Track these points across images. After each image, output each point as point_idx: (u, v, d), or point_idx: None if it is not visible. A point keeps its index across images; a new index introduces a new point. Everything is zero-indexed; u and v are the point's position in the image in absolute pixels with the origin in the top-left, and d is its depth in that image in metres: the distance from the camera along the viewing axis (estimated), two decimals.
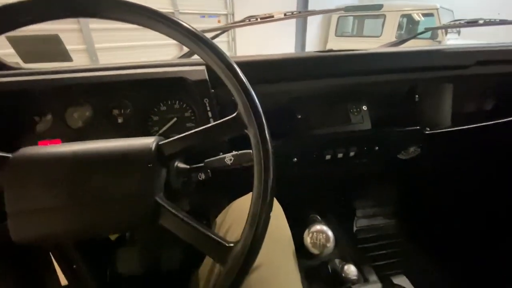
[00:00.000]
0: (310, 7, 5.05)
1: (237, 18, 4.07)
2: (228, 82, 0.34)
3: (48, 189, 0.30)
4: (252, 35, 3.84)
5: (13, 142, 0.51)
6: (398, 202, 1.21)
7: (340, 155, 0.71)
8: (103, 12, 0.32)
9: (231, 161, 0.40)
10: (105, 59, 3.09)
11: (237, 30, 4.07)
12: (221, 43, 4.09)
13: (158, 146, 0.35)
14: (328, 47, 5.28)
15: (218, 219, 0.54)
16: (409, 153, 0.78)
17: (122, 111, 0.55)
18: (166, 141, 0.36)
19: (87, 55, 3.00)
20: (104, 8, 0.32)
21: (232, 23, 0.65)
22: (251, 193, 0.43)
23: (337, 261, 0.74)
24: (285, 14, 0.63)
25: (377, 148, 0.73)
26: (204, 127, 0.36)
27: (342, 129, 0.70)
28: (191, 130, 0.58)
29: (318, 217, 0.81)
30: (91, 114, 0.54)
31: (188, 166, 0.42)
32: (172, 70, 0.51)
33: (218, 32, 0.68)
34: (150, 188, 0.33)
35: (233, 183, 0.62)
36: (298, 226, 0.69)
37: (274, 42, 4.38)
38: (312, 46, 5.53)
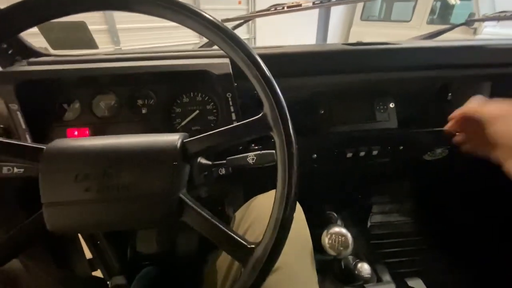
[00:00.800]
0: None
1: None
2: (255, 81, 0.34)
3: (79, 182, 0.31)
4: (272, 17, 3.71)
5: (44, 128, 0.53)
6: (416, 201, 1.18)
7: (362, 154, 0.69)
8: (118, 4, 0.32)
9: (253, 161, 0.40)
10: (126, 39, 3.11)
11: (258, 23, 3.96)
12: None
13: (182, 144, 0.35)
14: (353, 32, 5.05)
15: (238, 214, 0.54)
16: (436, 154, 0.74)
17: (146, 101, 0.56)
18: (191, 139, 0.36)
19: (108, 35, 3.03)
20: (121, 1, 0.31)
21: (256, 12, 0.63)
22: (272, 191, 0.43)
23: (350, 258, 0.74)
24: (313, 3, 0.60)
25: (401, 148, 0.70)
26: (228, 127, 0.35)
27: (366, 127, 0.67)
28: (213, 123, 0.58)
29: (335, 214, 0.81)
30: (117, 104, 0.55)
31: (210, 163, 0.43)
32: (196, 62, 0.50)
33: (242, 21, 0.65)
34: (175, 185, 0.33)
35: (251, 177, 0.62)
36: (314, 223, 0.69)
37: (295, 26, 4.23)
38: (335, 30, 5.28)
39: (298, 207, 0.55)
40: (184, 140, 0.36)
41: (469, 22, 0.81)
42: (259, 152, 0.40)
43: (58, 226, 0.32)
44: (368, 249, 0.89)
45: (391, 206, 1.21)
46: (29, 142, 0.34)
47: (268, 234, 0.31)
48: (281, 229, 0.31)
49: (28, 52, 0.58)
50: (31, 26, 0.34)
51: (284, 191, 0.31)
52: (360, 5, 4.89)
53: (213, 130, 0.55)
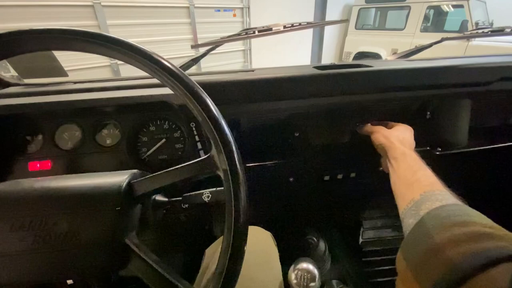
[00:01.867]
0: (329, 3, 4.85)
1: (253, 11, 3.99)
2: (200, 118, 0.32)
3: (14, 232, 0.30)
4: (268, 40, 3.75)
5: (5, 161, 0.52)
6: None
7: (340, 176, 0.67)
8: (58, 45, 0.31)
9: (209, 199, 0.38)
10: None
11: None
12: (236, 52, 4.03)
13: (129, 186, 0.34)
14: (348, 40, 5.10)
15: (209, 251, 0.52)
16: None
17: (111, 131, 0.55)
18: (138, 180, 0.35)
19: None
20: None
21: (227, 37, 0.62)
22: (251, 227, 0.41)
23: (334, 282, 0.72)
24: (284, 27, 0.59)
25: (381, 169, 0.68)
26: (176, 167, 0.34)
27: (342, 149, 0.66)
28: (180, 151, 0.57)
29: (315, 238, 0.78)
30: (80, 135, 0.54)
31: (166, 199, 0.41)
32: (157, 93, 0.49)
33: (211, 46, 0.65)
34: (120, 230, 0.32)
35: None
36: (293, 251, 0.67)
37: (292, 35, 4.27)
38: (331, 39, 5.34)
39: (270, 243, 0.53)
40: (132, 181, 0.34)
41: (444, 40, 0.80)
42: (213, 189, 0.38)
43: None
44: (357, 270, 0.86)
45: (382, 221, 1.18)
46: None
47: (214, 283, 0.29)
48: (225, 283, 0.29)
49: None
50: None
51: (229, 240, 0.30)
52: (354, 15, 4.95)
53: (181, 158, 0.53)
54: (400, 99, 0.65)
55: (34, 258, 0.30)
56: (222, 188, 0.38)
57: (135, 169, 0.38)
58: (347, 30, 5.16)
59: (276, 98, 0.57)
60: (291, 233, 0.78)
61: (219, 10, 3.79)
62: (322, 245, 0.77)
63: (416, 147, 0.69)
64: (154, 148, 0.55)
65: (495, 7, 4.19)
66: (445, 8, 4.01)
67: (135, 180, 0.35)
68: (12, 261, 0.30)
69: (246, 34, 0.61)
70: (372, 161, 0.69)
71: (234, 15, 3.92)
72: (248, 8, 3.97)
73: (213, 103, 0.33)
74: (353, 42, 5.05)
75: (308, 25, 0.60)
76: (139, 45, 0.32)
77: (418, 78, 0.62)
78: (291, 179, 0.67)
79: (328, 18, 5.09)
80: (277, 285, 0.45)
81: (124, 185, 0.33)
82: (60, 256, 0.31)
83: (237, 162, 0.32)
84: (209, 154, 0.33)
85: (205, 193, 0.39)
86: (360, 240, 1.14)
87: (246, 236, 0.31)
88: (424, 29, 4.17)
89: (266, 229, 0.58)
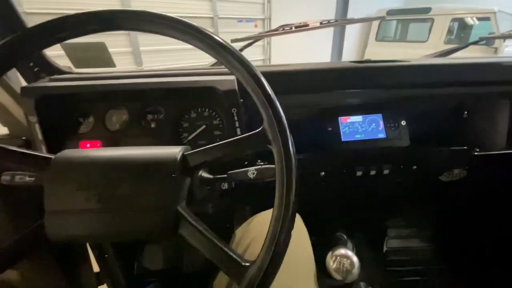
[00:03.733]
0: (349, 11, 4.88)
1: (274, 22, 4.09)
2: (254, 95, 0.34)
3: (81, 192, 0.32)
4: (287, 40, 3.81)
5: (59, 140, 0.56)
6: (436, 225, 1.10)
7: (372, 172, 0.67)
8: (129, 25, 0.34)
9: (254, 175, 0.39)
10: (148, 60, 3.30)
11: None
12: (255, 47, 4.13)
13: (183, 157, 0.36)
14: (368, 52, 5.08)
15: (239, 232, 0.53)
16: (453, 175, 0.70)
17: (156, 116, 0.58)
18: (191, 152, 0.36)
19: (132, 57, 3.23)
20: (128, 21, 0.34)
21: (265, 32, 0.65)
22: (271, 210, 0.42)
23: (362, 284, 0.70)
24: (321, 23, 0.61)
25: (415, 167, 0.67)
26: (228, 140, 0.36)
27: (376, 145, 0.65)
28: (219, 137, 0.59)
29: (344, 236, 0.77)
30: (127, 118, 0.57)
31: (211, 176, 0.43)
32: (203, 79, 0.52)
33: (251, 41, 0.68)
34: (173, 198, 0.34)
35: (258, 193, 0.61)
36: (323, 244, 0.66)
37: (310, 47, 4.32)
38: (350, 51, 5.33)
39: (301, 225, 0.53)
40: (185, 153, 0.36)
41: (483, 40, 0.79)
42: (259, 166, 0.39)
43: (56, 234, 0.32)
44: (383, 276, 0.83)
45: (409, 230, 1.14)
46: (39, 152, 0.35)
47: (263, 253, 0.30)
48: (277, 247, 0.29)
49: (52, 70, 0.63)
50: (48, 46, 0.36)
51: (281, 208, 0.30)
52: (375, 26, 4.95)
53: None
54: (438, 96, 0.64)
55: (98, 216, 0.32)
56: (269, 165, 0.39)
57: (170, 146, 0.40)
58: (367, 41, 5.15)
59: (315, 90, 0.58)
60: (320, 228, 0.77)
61: (241, 21, 3.91)
62: (350, 244, 0.76)
63: (452, 146, 0.67)
64: (195, 133, 0.58)
65: None
66: (470, 21, 3.93)
67: (188, 152, 0.37)
68: (76, 218, 0.32)
69: (283, 29, 0.64)
70: (406, 158, 0.68)
71: (256, 26, 4.03)
72: (270, 19, 4.08)
73: (267, 83, 0.34)
74: (373, 53, 5.02)
75: (344, 21, 0.61)
76: (204, 28, 0.35)
77: (456, 74, 0.61)
78: (322, 173, 0.67)
79: (349, 30, 5.11)
80: (309, 264, 0.45)
81: (179, 155, 0.35)
82: (120, 216, 0.32)
83: (289, 136, 0.33)
84: (261, 127, 0.34)
85: (251, 170, 0.40)
86: (385, 248, 1.10)
87: (296, 210, 0.31)
88: (448, 41, 4.09)
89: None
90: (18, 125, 0.61)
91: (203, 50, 0.35)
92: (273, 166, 0.39)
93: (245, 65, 0.34)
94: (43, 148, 0.53)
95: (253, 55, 4.08)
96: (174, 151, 0.36)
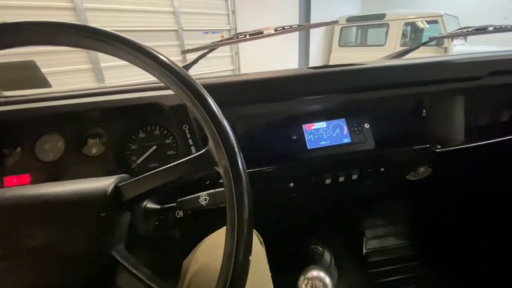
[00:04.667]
0: (312, 20, 5.08)
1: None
2: (195, 111, 0.29)
3: None
4: (256, 48, 3.85)
5: None
6: (410, 223, 1.11)
7: (341, 179, 0.65)
8: (47, 39, 0.28)
9: (206, 201, 0.35)
10: (110, 77, 3.14)
11: (241, 43, 4.10)
12: (224, 57, 4.13)
13: (115, 190, 0.30)
14: (332, 57, 5.30)
15: (185, 264, 0.46)
16: (419, 173, 0.71)
17: (98, 140, 0.51)
18: (126, 183, 0.31)
19: (93, 73, 3.06)
20: (58, 35, 0.28)
21: (218, 42, 0.61)
22: (222, 229, 0.37)
23: None
24: (275, 30, 0.59)
25: (382, 169, 0.66)
26: (168, 166, 0.31)
27: (342, 150, 0.63)
28: (173, 158, 0.54)
29: (319, 248, 0.74)
30: (64, 146, 0.50)
31: (158, 206, 0.37)
32: (146, 95, 0.46)
33: (205, 51, 0.64)
34: (105, 241, 0.28)
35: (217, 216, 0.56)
36: (296, 261, 0.62)
37: (279, 55, 4.40)
38: (316, 57, 5.52)
39: (256, 240, 0.48)
40: (118, 185, 0.31)
41: (433, 40, 0.83)
42: (212, 191, 0.35)
43: None
44: (364, 281, 0.81)
45: (385, 229, 1.14)
46: None
47: None
48: None
49: None
50: None
51: (232, 242, 0.26)
52: (337, 33, 5.19)
53: None
54: (396, 97, 0.64)
55: (7, 275, 0.26)
56: (221, 189, 0.35)
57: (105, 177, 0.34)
58: (331, 47, 5.38)
59: (273, 99, 0.55)
60: (293, 242, 0.73)
61: (207, 33, 3.89)
62: (327, 255, 0.73)
63: (415, 145, 0.68)
64: (144, 156, 0.52)
65: (466, 22, 4.47)
66: (421, 24, 4.26)
67: (123, 183, 0.31)
68: None
69: (237, 38, 0.61)
70: (373, 161, 0.67)
71: (222, 37, 4.03)
72: (236, 29, 4.10)
73: (210, 97, 0.30)
74: (337, 58, 5.25)
75: (298, 27, 0.60)
76: (129, 37, 0.29)
77: (411, 74, 0.62)
78: (291, 185, 0.64)
79: (312, 37, 5.31)
80: (265, 284, 0.40)
81: (110, 189, 0.29)
82: (35, 273, 0.26)
83: (238, 156, 0.28)
84: (205, 148, 0.30)
85: (202, 196, 0.35)
86: (364, 250, 1.09)
87: (251, 242, 0.27)
88: (404, 44, 4.39)
89: (265, 237, 0.54)
90: None
91: (130, 62, 0.30)
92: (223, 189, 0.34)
93: (178, 75, 0.29)
94: None
95: (222, 66, 4.07)
96: (104, 183, 0.30)
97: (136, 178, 0.31)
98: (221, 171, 0.29)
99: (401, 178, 0.73)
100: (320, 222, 0.95)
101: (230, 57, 4.25)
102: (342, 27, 5.17)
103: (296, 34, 5.00)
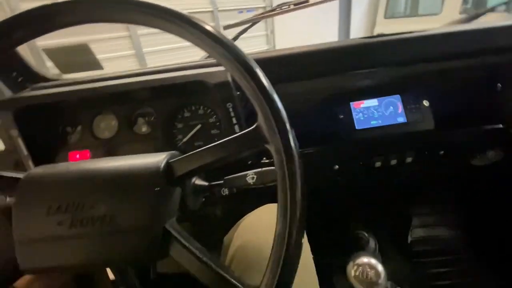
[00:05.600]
0: None
1: None
2: (244, 85, 0.28)
3: (51, 216, 0.28)
4: (292, 26, 3.67)
5: (47, 153, 0.52)
6: (465, 212, 1.00)
7: (393, 162, 0.59)
8: (101, 15, 0.28)
9: (254, 180, 0.34)
10: (152, 62, 3.28)
11: (276, 21, 3.94)
12: (259, 36, 4.02)
13: (167, 166, 0.30)
14: (377, 31, 4.83)
15: (226, 240, 0.47)
16: (487, 158, 0.61)
17: (146, 118, 0.53)
18: (177, 159, 0.31)
19: (136, 59, 3.22)
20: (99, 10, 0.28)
21: (260, 14, 0.58)
22: (263, 207, 0.36)
23: (389, 284, 0.63)
24: None
25: (442, 152, 0.59)
26: (218, 142, 0.30)
27: (395, 130, 0.57)
28: (217, 137, 0.54)
29: (365, 234, 0.70)
30: (117, 124, 0.53)
31: (206, 183, 0.37)
32: (190, 73, 0.46)
33: (247, 25, 0.61)
34: (159, 214, 0.29)
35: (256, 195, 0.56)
36: (340, 246, 0.59)
37: (317, 31, 4.14)
38: (357, 31, 5.10)
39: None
40: (170, 161, 0.31)
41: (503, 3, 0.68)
42: (259, 170, 0.34)
43: (30, 266, 0.28)
44: (409, 270, 0.76)
45: (435, 217, 1.05)
46: (9, 172, 0.31)
47: (269, 278, 0.24)
48: (284, 270, 0.24)
49: (38, 78, 0.59)
50: (27, 40, 0.31)
51: (285, 223, 0.25)
52: (383, 3, 4.68)
53: None
54: (464, 68, 0.55)
55: (72, 243, 0.28)
56: (270, 168, 0.33)
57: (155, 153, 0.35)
58: (375, 20, 4.89)
59: (321, 73, 0.51)
60: (336, 226, 0.71)
61: (242, 12, 3.81)
62: (372, 241, 0.69)
63: (485, 124, 0.58)
64: (190, 134, 0.53)
65: None
66: None
67: (173, 160, 0.31)
68: (49, 246, 0.28)
69: (281, 9, 0.56)
70: (431, 143, 0.60)
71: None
72: (271, 7, 3.94)
73: (261, 71, 0.28)
74: (383, 32, 4.78)
75: None
76: (179, 11, 0.28)
77: (485, 41, 0.52)
78: (336, 167, 0.60)
79: (355, 9, 4.87)
80: (308, 266, 0.39)
81: (162, 165, 0.30)
82: (98, 241, 0.28)
83: (290, 133, 0.27)
84: (255, 124, 0.28)
85: (250, 174, 0.35)
86: (409, 238, 1.02)
87: (305, 224, 0.26)
88: (464, 11, 3.81)
89: (307, 220, 0.52)
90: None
91: (180, 36, 0.29)
92: (274, 168, 0.33)
93: (232, 51, 0.28)
94: (30, 163, 0.49)
95: (256, 45, 3.97)
96: (157, 159, 0.31)
97: (187, 154, 0.31)
98: (271, 149, 0.27)
99: (464, 162, 0.64)
100: (364, 207, 0.90)
101: (265, 36, 4.11)
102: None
103: (336, 5, 4.62)
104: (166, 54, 3.34)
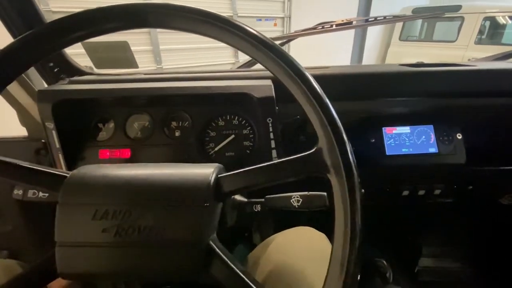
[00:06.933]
0: (373, 8, 4.69)
1: (294, 21, 3.99)
2: (310, 110, 0.28)
3: (97, 221, 0.27)
4: (306, 39, 3.70)
5: (78, 147, 0.52)
6: (480, 247, 0.98)
7: (421, 192, 0.58)
8: (159, 22, 0.28)
9: (299, 203, 0.33)
10: (167, 59, 3.30)
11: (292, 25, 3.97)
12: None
13: (217, 180, 0.30)
14: (391, 52, 4.87)
15: (251, 257, 0.46)
16: None
17: (180, 123, 0.52)
18: (226, 174, 0.30)
19: (152, 55, 3.25)
20: (156, 17, 0.28)
21: (302, 31, 0.58)
22: (296, 229, 0.35)
23: None
24: (366, 20, 0.54)
25: (471, 187, 0.58)
26: (272, 163, 0.29)
27: (427, 161, 0.57)
28: (249, 149, 0.53)
29: (384, 262, 0.69)
30: (150, 125, 0.52)
31: (245, 200, 0.37)
32: (235, 84, 0.46)
33: (284, 40, 0.61)
34: (204, 230, 0.28)
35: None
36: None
37: (330, 46, 4.18)
38: (372, 50, 5.14)
39: (326, 240, 0.45)
40: (219, 176, 0.30)
41: None
42: (306, 193, 0.33)
43: (68, 270, 0.27)
44: None
45: (443, 248, 1.03)
46: (52, 169, 0.30)
47: None
48: None
49: (73, 70, 0.59)
50: (74, 42, 0.31)
51: (344, 255, 0.24)
52: (399, 25, 4.73)
53: (249, 156, 0.49)
54: (502, 106, 0.55)
55: (115, 252, 0.27)
56: (318, 193, 0.33)
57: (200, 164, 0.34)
58: (390, 41, 4.94)
59: (361, 97, 0.51)
60: None
61: (260, 20, 3.85)
62: (389, 272, 0.68)
63: None
64: (222, 144, 0.52)
65: None
66: (502, 19, 3.69)
67: (223, 175, 0.31)
68: (92, 252, 0.27)
69: (323, 28, 0.56)
70: (461, 177, 0.59)
71: (275, 25, 3.95)
72: (290, 17, 3.98)
73: (326, 97, 0.28)
74: (396, 53, 4.81)
75: (393, 19, 0.53)
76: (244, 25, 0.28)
77: None
78: (362, 191, 0.59)
79: (370, 29, 4.92)
80: None
81: (212, 180, 0.29)
82: (142, 252, 0.27)
83: (353, 166, 0.26)
84: (315, 147, 0.28)
85: (295, 197, 0.34)
86: (416, 268, 1.00)
87: (361, 257, 0.25)
88: (479, 41, 3.86)
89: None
90: (37, 126, 0.58)
91: (241, 50, 0.29)
92: (323, 194, 0.33)
93: (299, 73, 0.27)
94: (60, 156, 0.49)
95: None
96: (206, 172, 0.30)
97: (238, 171, 0.30)
98: (333, 180, 0.27)
99: (492, 200, 0.63)
100: (380, 232, 0.89)
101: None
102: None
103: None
104: (181, 53, 3.37)
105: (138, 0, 0.34)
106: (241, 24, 0.28)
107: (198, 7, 0.28)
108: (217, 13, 0.28)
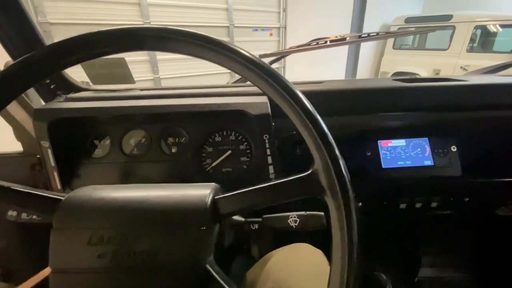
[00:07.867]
0: (366, 20, 4.79)
1: (290, 31, 4.05)
2: (304, 132, 0.28)
3: (92, 247, 0.26)
4: (304, 40, 3.75)
5: (73, 165, 0.51)
6: (476, 256, 0.98)
7: (418, 205, 0.58)
8: (153, 45, 0.29)
9: (296, 224, 0.33)
10: (164, 69, 3.32)
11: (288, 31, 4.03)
12: (270, 42, 4.08)
13: (213, 202, 0.29)
14: (385, 60, 4.95)
15: (250, 275, 0.46)
16: None
17: (177, 139, 0.53)
18: (223, 196, 0.30)
19: (149, 65, 3.26)
20: (144, 40, 0.28)
21: (296, 47, 0.59)
22: (292, 246, 0.35)
23: None
24: (360, 36, 0.55)
25: (467, 199, 0.58)
26: (269, 184, 0.29)
27: (422, 173, 0.57)
28: (245, 164, 0.53)
29: (383, 276, 0.68)
30: (146, 141, 0.52)
31: (243, 219, 0.36)
32: (231, 101, 0.46)
33: (278, 56, 0.62)
34: (201, 254, 0.28)
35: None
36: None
37: (325, 54, 4.24)
38: (366, 59, 5.22)
39: (323, 258, 0.45)
40: (216, 197, 0.30)
41: None
42: (304, 213, 0.33)
43: None
44: None
45: (443, 258, 1.03)
46: (46, 192, 0.30)
47: None
48: None
49: (69, 86, 0.59)
50: (74, 64, 0.31)
51: (343, 272, 0.25)
52: None
53: (246, 172, 0.49)
54: (496, 118, 0.56)
55: (111, 278, 0.27)
56: (316, 213, 0.33)
57: (197, 180, 0.34)
58: (384, 49, 5.03)
59: (355, 111, 0.51)
60: None
61: (256, 30, 3.90)
62: (389, 285, 0.67)
63: None
64: (219, 160, 0.52)
65: None
66: (493, 28, 3.78)
67: (219, 196, 0.30)
68: (88, 278, 0.27)
69: (317, 44, 0.57)
70: (457, 189, 0.59)
71: (271, 35, 4.01)
72: (285, 27, 4.05)
73: (320, 119, 0.28)
74: (390, 61, 4.90)
75: (386, 34, 0.54)
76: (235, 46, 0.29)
77: None
78: (359, 204, 0.60)
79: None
80: None
81: (209, 201, 0.29)
82: (139, 278, 0.27)
83: (348, 186, 0.26)
84: (311, 169, 0.28)
85: (292, 217, 0.34)
86: (416, 278, 0.99)
87: (358, 276, 0.25)
88: (470, 49, 3.94)
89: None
90: (33, 142, 0.58)
91: (234, 70, 0.30)
92: (321, 214, 0.33)
93: (291, 92, 0.28)
94: (55, 174, 0.48)
95: (268, 49, 4.04)
96: (203, 194, 0.30)
97: (234, 192, 0.30)
98: (329, 201, 0.27)
99: (489, 211, 0.63)
100: (379, 244, 0.88)
101: (277, 42, 4.17)
102: (399, 28, 4.79)
103: (348, 30, 4.75)
104: (178, 63, 3.39)
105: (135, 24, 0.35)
106: (232, 46, 0.28)
107: (194, 31, 0.29)
108: (210, 35, 0.29)
